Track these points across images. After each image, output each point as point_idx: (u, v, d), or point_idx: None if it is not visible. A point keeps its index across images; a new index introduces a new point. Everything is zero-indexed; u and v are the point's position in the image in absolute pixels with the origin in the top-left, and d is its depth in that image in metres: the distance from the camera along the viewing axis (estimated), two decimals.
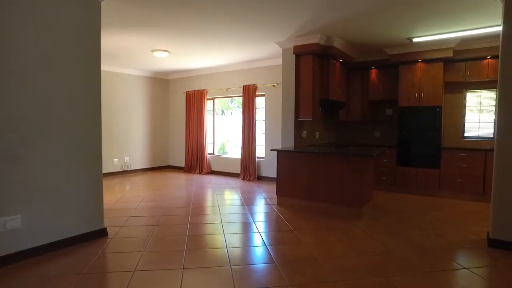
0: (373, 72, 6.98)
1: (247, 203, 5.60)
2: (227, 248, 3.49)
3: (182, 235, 3.87)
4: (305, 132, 6.18)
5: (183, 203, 5.47)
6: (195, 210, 5.03)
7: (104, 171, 8.94)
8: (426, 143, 6.20)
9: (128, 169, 8.77)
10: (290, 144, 5.92)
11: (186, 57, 7.31)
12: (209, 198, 5.98)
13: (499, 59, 3.71)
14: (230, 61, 7.84)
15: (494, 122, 6.20)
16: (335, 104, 6.37)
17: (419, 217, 4.78)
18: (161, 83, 9.67)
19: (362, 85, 7.10)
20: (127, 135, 8.79)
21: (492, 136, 6.25)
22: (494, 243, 3.63)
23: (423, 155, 6.24)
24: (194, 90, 9.05)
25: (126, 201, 5.56)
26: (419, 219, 4.64)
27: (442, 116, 6.17)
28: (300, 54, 5.80)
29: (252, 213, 4.94)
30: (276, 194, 5.45)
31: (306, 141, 6.24)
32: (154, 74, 9.34)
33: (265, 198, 5.91)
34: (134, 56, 7.14)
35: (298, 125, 6.00)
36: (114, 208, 5.10)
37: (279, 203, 5.41)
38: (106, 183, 7.28)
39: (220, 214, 4.86)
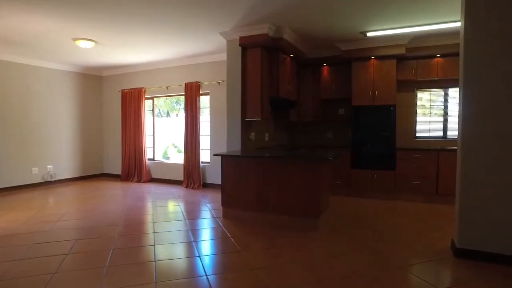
0: (325, 69, 6.59)
1: (189, 216, 4.85)
2: (155, 282, 2.73)
3: (100, 266, 3.03)
4: (253, 133, 5.57)
5: (111, 221, 4.57)
6: (125, 230, 4.18)
7: (18, 183, 7.05)
8: (381, 144, 5.90)
9: (52, 180, 7.55)
10: (236, 148, 5.27)
11: (118, 50, 6.37)
12: (145, 212, 5.13)
13: (460, 58, 3.39)
14: (171, 56, 7.02)
15: (444, 122, 6.09)
16: (285, 102, 5.85)
17: (379, 224, 4.37)
18: (93, 80, 8.53)
19: (314, 83, 6.67)
20: (50, 140, 7.56)
21: (442, 136, 6.13)
22: (461, 253, 3.28)
23: (378, 157, 5.93)
24: (131, 89, 8.07)
25: (39, 221, 4.52)
26: (380, 227, 4.23)
27: (396, 115, 5.91)
28: (247, 46, 5.18)
29: (193, 230, 4.20)
30: (222, 205, 4.76)
31: (255, 144, 5.64)
32: (84, 69, 8.19)
33: (210, 210, 5.20)
34: (50, 46, 6.03)
35: (246, 126, 5.38)
36: (19, 232, 4.07)
37: (225, 216, 4.73)
38: (19, 197, 6.12)
39: (154, 233, 4.06)
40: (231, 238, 3.86)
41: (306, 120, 6.74)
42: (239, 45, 5.17)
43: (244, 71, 5.25)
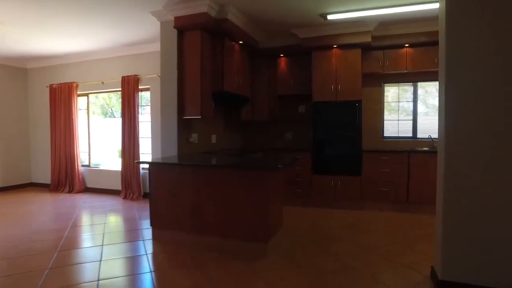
0: (282, 61, 5.77)
1: (110, 240, 3.84)
2: None
3: None
4: (195, 135, 4.64)
5: (0, 251, 3.49)
6: (16, 263, 3.12)
7: None
8: (345, 146, 5.16)
9: None
10: (173, 152, 4.32)
11: (35, 34, 5.22)
12: (53, 236, 4.04)
13: (441, 45, 2.67)
14: (105, 45, 5.96)
15: (413, 120, 5.45)
16: (234, 98, 4.96)
17: (343, 245, 3.58)
18: (15, 73, 7.22)
19: (269, 77, 5.84)
20: None
21: (411, 136, 5.49)
22: (444, 286, 2.55)
23: (342, 160, 5.18)
24: (61, 83, 6.87)
25: None
26: (343, 250, 3.44)
27: (362, 113, 5.20)
28: (184, 28, 4.25)
29: (109, 261, 3.21)
30: (151, 226, 3.80)
31: (198, 148, 4.71)
32: (3, 59, 6.89)
33: (140, 230, 4.21)
34: None
35: (184, 126, 4.43)
36: None
37: (156, 238, 3.78)
38: None
39: (48, 269, 3.03)
40: (154, 273, 2.92)
41: (261, 120, 5.89)
42: (175, 28, 4.23)
43: (181, 59, 4.30)
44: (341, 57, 5.14)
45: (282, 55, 5.72)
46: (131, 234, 4.05)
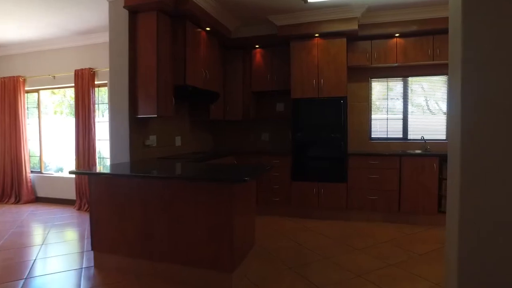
0: (258, 53, 5.11)
1: (42, 270, 3.07)
2: None
3: None
4: (153, 137, 3.91)
5: None
6: None
7: None
8: (329, 148, 4.54)
9: None
10: (125, 158, 3.58)
11: None
12: None
13: (451, 33, 2.05)
14: (56, 32, 5.14)
15: (404, 120, 4.90)
16: (202, 94, 4.27)
17: (329, 271, 2.93)
18: None
19: (243, 71, 5.16)
20: None
21: (401, 137, 4.93)
22: None
23: (325, 165, 4.56)
24: (4, 78, 5.99)
25: None
26: (330, 277, 2.79)
27: (348, 111, 4.60)
28: (137, 9, 3.53)
29: None
30: (92, 249, 3.06)
31: (157, 152, 3.99)
32: None
33: (84, 253, 3.46)
34: None
35: (139, 127, 3.71)
36: None
37: (98, 265, 3.04)
38: None
39: None
40: None
41: (234, 119, 5.21)
42: (125, 7, 3.50)
43: (133, 46, 3.58)
44: (324, 47, 4.52)
45: (257, 46, 5.07)
46: (71, 260, 3.29)
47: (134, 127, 3.60)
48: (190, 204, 2.60)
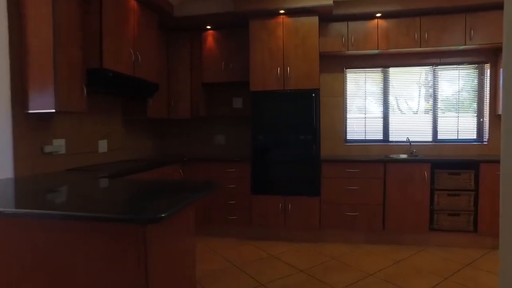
0: (210, 36, 4.13)
1: None
2: None
3: None
4: (59, 142, 2.80)
5: None
6: None
7: None
8: (298, 154, 3.65)
9: None
10: (7, 172, 2.46)
11: None
12: None
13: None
14: None
15: (384, 118, 4.12)
16: (132, 84, 3.21)
17: None
18: None
19: (191, 58, 4.17)
20: None
21: (382, 138, 4.15)
22: None
23: (293, 174, 3.66)
24: None
25: None
26: None
27: (320, 107, 3.74)
28: None
29: None
30: None
31: (69, 161, 2.89)
32: None
33: None
34: None
35: (33, 127, 2.60)
36: None
37: None
38: None
39: None
40: None
41: (181, 117, 4.20)
42: None
43: (19, 9, 2.47)
44: (291, 28, 3.63)
45: (209, 27, 4.09)
46: None
47: (24, 127, 2.49)
48: (79, 256, 1.57)
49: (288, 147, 3.65)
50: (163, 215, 1.32)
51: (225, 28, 4.06)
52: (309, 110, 3.58)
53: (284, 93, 3.65)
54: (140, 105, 3.68)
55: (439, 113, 4.07)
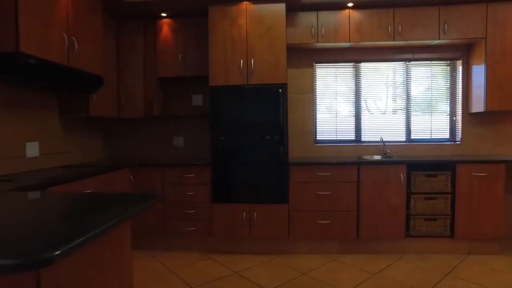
0: (165, 25, 3.67)
1: None
2: None
3: None
4: None
5: None
6: None
7: None
8: (264, 156, 3.27)
9: None
10: None
11: None
12: None
13: None
14: None
15: (356, 117, 3.86)
16: (66, 75, 2.69)
17: None
18: None
19: (145, 50, 3.69)
20: None
21: (354, 139, 3.87)
22: None
23: (259, 179, 3.28)
24: None
25: None
26: None
27: (288, 105, 3.39)
28: None
29: None
30: None
31: None
32: None
33: None
34: None
35: None
36: None
37: None
38: None
39: None
40: None
41: (133, 117, 3.70)
42: None
43: None
44: (256, 16, 3.26)
45: (164, 14, 3.63)
46: None
47: None
48: None
49: (252, 149, 3.26)
50: (56, 253, 0.88)
51: (182, 16, 3.62)
52: (276, 108, 3.22)
53: (248, 88, 3.26)
54: (81, 101, 3.16)
55: (412, 112, 3.86)
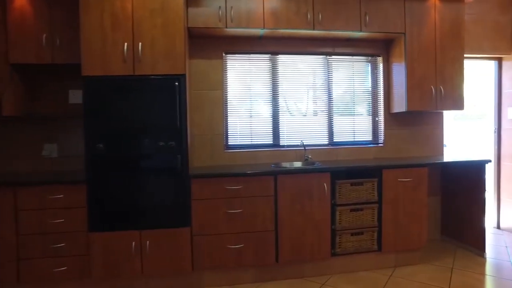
0: None
1: None
2: None
3: None
4: None
5: None
6: None
7: None
8: (156, 168, 2.53)
9: None
10: None
11: None
12: None
13: None
14: None
15: (274, 118, 3.34)
16: None
17: None
18: None
19: None
20: None
21: (271, 143, 3.35)
22: None
23: (150, 198, 2.53)
24: None
25: None
26: None
27: (188, 101, 2.71)
28: None
29: None
30: None
31: None
32: None
33: None
34: None
35: None
36: None
37: None
38: None
39: None
40: None
41: None
42: None
43: None
44: None
45: None
46: None
47: None
48: None
49: (142, 159, 2.51)
50: None
51: None
52: (171, 105, 2.51)
53: (135, 80, 2.50)
54: None
55: (334, 112, 3.48)
